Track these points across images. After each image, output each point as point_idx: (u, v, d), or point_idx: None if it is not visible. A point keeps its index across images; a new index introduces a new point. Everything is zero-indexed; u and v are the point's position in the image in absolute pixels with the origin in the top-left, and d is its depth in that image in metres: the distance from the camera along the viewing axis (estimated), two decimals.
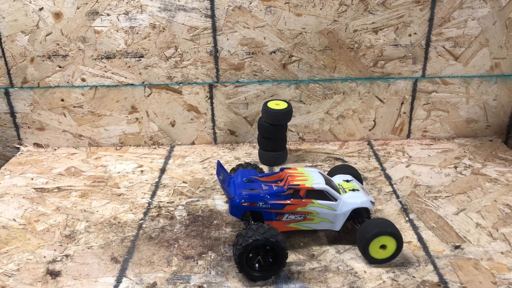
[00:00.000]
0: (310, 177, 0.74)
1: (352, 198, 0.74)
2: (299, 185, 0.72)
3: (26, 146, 1.11)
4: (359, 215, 0.74)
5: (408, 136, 1.12)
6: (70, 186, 0.94)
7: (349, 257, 0.73)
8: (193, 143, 1.11)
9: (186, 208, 0.86)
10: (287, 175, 0.75)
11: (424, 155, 1.04)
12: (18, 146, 1.11)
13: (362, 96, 1.07)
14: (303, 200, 0.72)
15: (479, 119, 1.10)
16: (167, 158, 1.05)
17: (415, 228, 0.80)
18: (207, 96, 1.06)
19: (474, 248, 0.74)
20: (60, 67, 1.02)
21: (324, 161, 1.02)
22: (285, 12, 0.98)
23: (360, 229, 0.71)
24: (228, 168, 0.94)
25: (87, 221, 0.83)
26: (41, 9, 0.97)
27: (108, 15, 0.97)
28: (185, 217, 0.83)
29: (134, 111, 1.07)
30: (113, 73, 1.03)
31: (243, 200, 0.71)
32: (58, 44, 1.00)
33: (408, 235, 0.78)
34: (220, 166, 0.80)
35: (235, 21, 0.99)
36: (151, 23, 0.98)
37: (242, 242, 0.65)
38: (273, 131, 0.97)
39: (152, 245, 0.76)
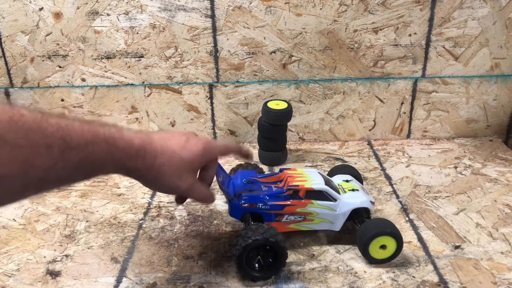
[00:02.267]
0: (310, 177, 0.74)
1: (351, 198, 0.74)
2: (298, 185, 0.72)
3: None
4: (359, 215, 0.74)
5: (408, 136, 1.12)
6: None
7: (349, 257, 0.73)
8: None
9: (186, 208, 0.86)
10: (287, 175, 0.75)
11: (424, 155, 1.04)
12: None
13: (362, 96, 1.07)
14: (303, 200, 0.72)
15: (479, 119, 1.10)
16: None
17: (415, 228, 0.80)
18: (207, 96, 1.06)
19: (474, 248, 0.74)
20: (60, 67, 1.03)
21: (324, 161, 1.02)
22: (285, 12, 0.98)
23: (360, 229, 0.71)
24: (228, 168, 0.94)
25: (87, 221, 0.83)
26: (41, 9, 0.97)
27: (108, 15, 0.97)
28: (185, 217, 0.83)
29: (134, 111, 1.07)
30: (113, 73, 1.03)
31: (242, 202, 0.71)
32: (58, 44, 1.00)
33: (408, 235, 0.78)
34: (219, 167, 0.80)
35: (235, 21, 0.99)
36: (151, 23, 0.98)
37: (241, 242, 0.65)
38: (273, 131, 0.97)
39: (152, 245, 0.76)
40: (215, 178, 0.81)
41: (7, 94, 1.05)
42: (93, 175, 0.54)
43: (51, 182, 0.48)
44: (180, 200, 0.74)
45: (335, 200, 0.73)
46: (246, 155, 0.74)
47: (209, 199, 0.69)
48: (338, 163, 1.01)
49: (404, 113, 1.09)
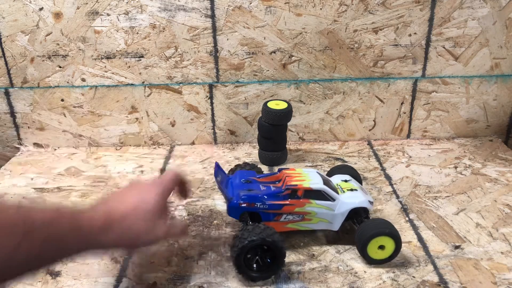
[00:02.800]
0: (308, 177, 0.74)
1: (350, 198, 0.74)
2: (296, 185, 0.72)
3: (26, 146, 1.11)
4: (357, 215, 0.74)
5: (408, 136, 1.12)
6: (70, 186, 0.94)
7: (349, 257, 0.73)
8: (193, 143, 1.12)
9: (186, 208, 0.86)
10: (285, 175, 0.75)
11: (424, 155, 1.04)
12: (18, 146, 1.11)
13: (362, 96, 1.07)
14: (301, 200, 0.72)
15: (479, 119, 1.10)
16: (167, 158, 1.05)
17: (415, 228, 0.80)
18: (207, 96, 1.06)
19: (474, 248, 0.74)
20: (60, 67, 1.03)
21: (324, 161, 1.02)
22: (285, 12, 0.98)
23: (359, 230, 0.71)
24: (227, 168, 0.94)
25: None
26: (41, 9, 0.97)
27: (108, 15, 0.97)
28: (185, 217, 0.83)
29: (134, 111, 1.07)
30: (113, 73, 1.03)
31: (241, 201, 0.71)
32: (58, 44, 1.00)
33: (408, 235, 0.78)
34: (218, 168, 0.80)
35: (235, 21, 0.99)
36: (151, 23, 0.98)
37: (238, 243, 0.65)
38: (273, 131, 0.97)
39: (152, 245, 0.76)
40: (213, 179, 0.81)
41: (7, 94, 1.05)
42: (63, 256, 0.53)
43: (18, 264, 0.47)
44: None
45: (333, 199, 0.73)
46: (186, 193, 0.73)
47: (185, 231, 0.69)
48: (338, 163, 1.01)
49: (404, 113, 1.09)
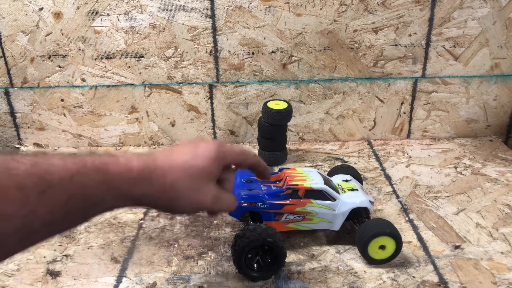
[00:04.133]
0: (309, 177, 0.74)
1: (351, 198, 0.74)
2: (297, 185, 0.72)
3: (26, 146, 1.11)
4: (358, 215, 0.74)
5: (408, 136, 1.12)
6: None
7: (349, 257, 0.73)
8: None
9: None
10: (286, 175, 0.75)
11: (424, 155, 1.04)
12: (18, 146, 1.11)
13: (362, 96, 1.07)
14: (302, 200, 0.72)
15: (479, 119, 1.10)
16: None
17: (415, 228, 0.80)
18: (207, 96, 1.06)
19: (474, 248, 0.74)
20: (60, 67, 1.03)
21: (324, 161, 1.02)
22: (285, 12, 0.98)
23: (359, 230, 0.71)
24: None
25: None
26: (41, 9, 0.97)
27: (108, 15, 0.97)
28: (185, 217, 0.83)
29: (134, 111, 1.07)
30: (113, 73, 1.03)
31: (241, 201, 0.71)
32: (58, 44, 1.00)
33: (408, 235, 0.78)
34: None
35: (235, 21, 0.99)
36: (151, 23, 0.98)
37: (239, 243, 0.65)
38: (273, 131, 0.97)
39: (152, 245, 0.76)
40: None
41: (7, 94, 1.05)
42: (93, 213, 0.46)
43: (39, 230, 0.40)
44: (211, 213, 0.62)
45: (334, 199, 0.73)
46: (263, 174, 0.64)
47: (233, 206, 0.59)
48: (338, 163, 1.01)
49: (404, 113, 1.09)
